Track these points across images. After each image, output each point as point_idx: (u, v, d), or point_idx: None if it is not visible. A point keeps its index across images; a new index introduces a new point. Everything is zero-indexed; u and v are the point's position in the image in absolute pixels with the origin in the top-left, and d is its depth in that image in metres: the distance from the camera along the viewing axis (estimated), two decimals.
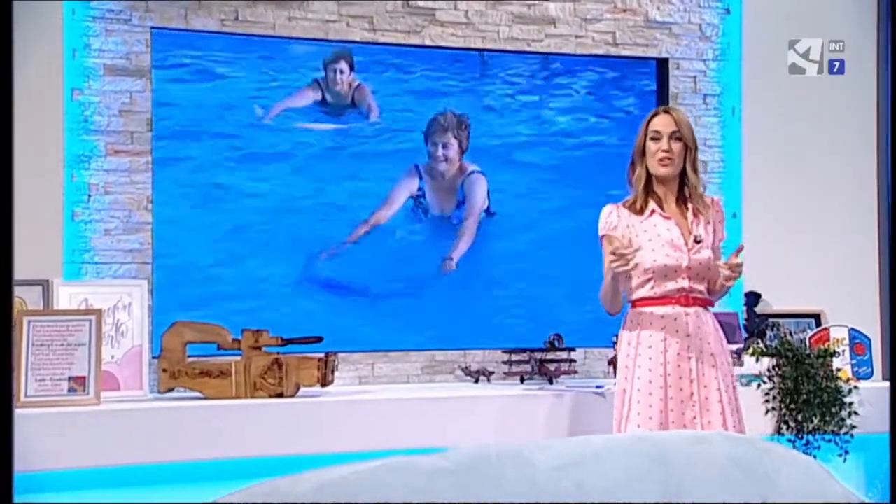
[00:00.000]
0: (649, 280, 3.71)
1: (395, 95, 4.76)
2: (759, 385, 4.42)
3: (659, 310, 3.70)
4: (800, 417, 4.36)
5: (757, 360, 4.54)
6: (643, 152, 3.78)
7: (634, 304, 3.74)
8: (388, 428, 3.92)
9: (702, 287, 3.73)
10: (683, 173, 3.78)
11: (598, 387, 4.33)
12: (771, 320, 5.05)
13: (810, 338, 4.87)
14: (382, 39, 4.70)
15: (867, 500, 1.87)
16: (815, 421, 4.36)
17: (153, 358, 4.18)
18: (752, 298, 5.07)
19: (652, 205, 3.75)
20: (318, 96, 4.64)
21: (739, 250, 3.68)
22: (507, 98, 4.93)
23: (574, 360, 4.64)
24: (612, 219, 3.78)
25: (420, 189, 4.75)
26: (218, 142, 4.52)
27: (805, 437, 4.38)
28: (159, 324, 4.25)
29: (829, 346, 4.76)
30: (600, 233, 3.79)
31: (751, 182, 5.16)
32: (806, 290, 5.14)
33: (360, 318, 4.67)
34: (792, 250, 5.15)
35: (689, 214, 3.77)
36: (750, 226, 5.14)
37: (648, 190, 3.78)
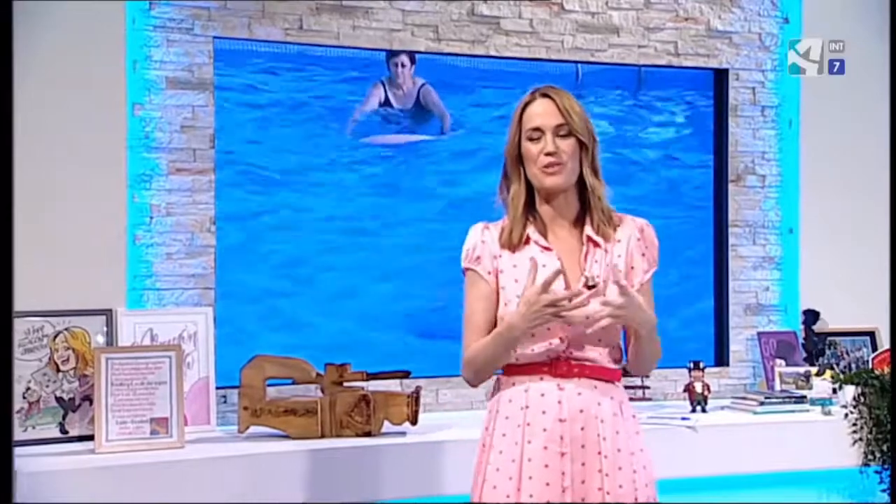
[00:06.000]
0: None
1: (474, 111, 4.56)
2: (846, 415, 4.29)
3: (522, 383, 2.59)
4: (885, 448, 4.25)
5: (840, 387, 4.42)
6: (518, 158, 2.65)
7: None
8: None
9: (594, 352, 2.58)
10: (581, 181, 2.65)
11: (683, 418, 4.17)
12: (828, 339, 4.94)
13: (873, 359, 4.76)
14: (447, 49, 4.48)
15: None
16: None
17: (217, 389, 3.95)
18: (811, 317, 4.93)
19: (531, 231, 2.63)
20: (382, 96, 4.39)
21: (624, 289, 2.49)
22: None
23: (648, 387, 4.47)
24: (476, 245, 2.65)
25: None
26: (286, 159, 4.26)
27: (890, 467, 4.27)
28: (221, 354, 3.99)
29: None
30: (462, 263, 2.69)
31: (808, 196, 5.01)
32: (857, 307, 5.02)
33: (421, 344, 4.45)
34: (849, 266, 5.01)
35: (586, 244, 2.62)
36: (807, 241, 5.01)
37: (529, 213, 2.65)
